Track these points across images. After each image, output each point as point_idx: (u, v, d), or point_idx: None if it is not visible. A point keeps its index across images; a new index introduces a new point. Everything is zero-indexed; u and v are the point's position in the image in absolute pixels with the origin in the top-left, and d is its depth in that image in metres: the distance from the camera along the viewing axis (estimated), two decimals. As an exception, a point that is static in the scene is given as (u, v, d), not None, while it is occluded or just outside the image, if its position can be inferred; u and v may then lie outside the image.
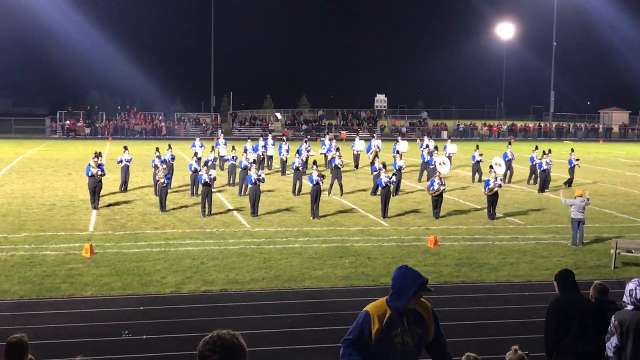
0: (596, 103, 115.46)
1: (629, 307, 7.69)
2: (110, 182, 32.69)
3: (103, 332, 13.08)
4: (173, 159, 31.82)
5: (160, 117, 76.90)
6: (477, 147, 36.04)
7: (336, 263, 18.20)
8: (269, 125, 76.74)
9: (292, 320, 13.88)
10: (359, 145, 41.05)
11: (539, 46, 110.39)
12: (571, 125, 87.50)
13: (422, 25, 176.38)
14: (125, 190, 30.08)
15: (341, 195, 29.49)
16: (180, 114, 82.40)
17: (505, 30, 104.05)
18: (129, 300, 14.92)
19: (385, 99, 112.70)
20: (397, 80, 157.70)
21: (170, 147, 33.19)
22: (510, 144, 37.90)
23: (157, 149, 30.13)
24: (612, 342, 7.66)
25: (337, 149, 33.47)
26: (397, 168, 30.47)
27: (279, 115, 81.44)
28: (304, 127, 75.53)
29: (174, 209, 25.72)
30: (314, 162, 27.02)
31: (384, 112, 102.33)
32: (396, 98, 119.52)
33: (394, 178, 25.83)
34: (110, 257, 18.42)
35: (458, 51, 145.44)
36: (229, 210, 25.90)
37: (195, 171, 28.38)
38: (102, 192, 26.37)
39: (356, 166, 40.58)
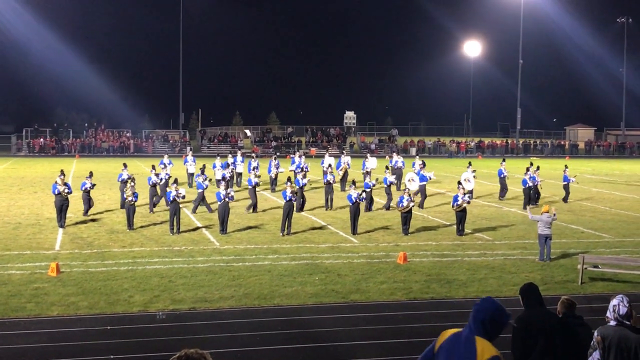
0: (562, 120, 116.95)
1: (612, 323, 7.75)
2: (77, 200, 32.32)
3: (70, 352, 12.87)
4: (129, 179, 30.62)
5: (128, 134, 76.42)
6: (470, 164, 36.21)
7: (306, 280, 18.14)
8: (238, 142, 76.59)
9: (262, 338, 13.78)
10: (329, 161, 41.08)
11: (506, 64, 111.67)
12: (537, 142, 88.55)
13: (391, 43, 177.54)
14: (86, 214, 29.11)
15: (328, 209, 30.19)
16: (149, 131, 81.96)
17: (473, 48, 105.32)
18: (96, 320, 14.72)
19: (355, 115, 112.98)
20: (366, 97, 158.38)
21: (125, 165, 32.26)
22: (504, 160, 38.24)
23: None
24: (595, 356, 7.71)
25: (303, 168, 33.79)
26: (368, 186, 30.68)
27: (248, 132, 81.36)
28: (274, 144, 75.49)
29: (142, 226, 25.50)
30: (288, 179, 27.03)
31: (353, 129, 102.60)
32: (365, 115, 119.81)
33: (363, 195, 25.87)
34: (76, 276, 18.18)
35: (426, 69, 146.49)
36: (198, 227, 25.74)
37: (154, 185, 28.40)
38: (69, 211, 26.05)
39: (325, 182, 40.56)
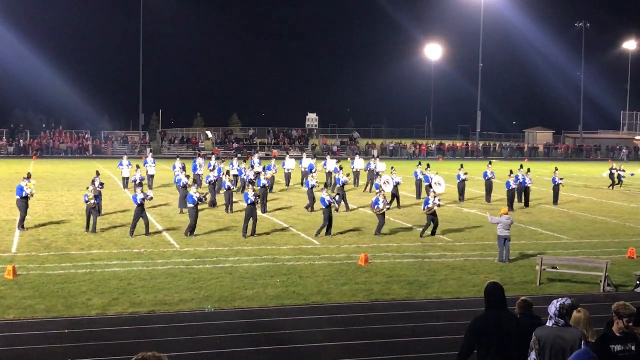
0: (521, 123, 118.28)
1: (549, 324, 7.88)
2: (34, 202, 31.83)
3: (27, 356, 12.65)
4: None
5: (87, 136, 75.49)
6: (462, 166, 36.43)
7: (267, 282, 18.07)
8: (200, 143, 76.14)
9: (223, 341, 13.69)
10: (290, 164, 41.12)
11: (466, 67, 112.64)
12: (497, 145, 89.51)
13: (353, 45, 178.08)
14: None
15: (311, 211, 30.14)
16: (108, 132, 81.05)
17: (433, 52, 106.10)
18: (54, 324, 14.48)
19: (317, 118, 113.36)
20: (328, 99, 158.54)
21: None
22: (490, 163, 38.70)
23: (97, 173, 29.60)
24: (531, 357, 7.83)
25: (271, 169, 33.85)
26: (340, 184, 30.94)
27: (209, 133, 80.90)
28: (235, 145, 75.19)
29: (102, 230, 25.16)
30: (250, 182, 26.93)
31: (316, 131, 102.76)
32: (327, 117, 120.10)
33: (337, 197, 25.88)
34: (34, 279, 17.88)
35: (388, 71, 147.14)
36: (159, 231, 25.49)
37: (185, 187, 28.17)
38: (26, 212, 25.59)
39: (287, 185, 40.56)
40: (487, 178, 35.19)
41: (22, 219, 24.97)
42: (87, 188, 25.43)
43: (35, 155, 65.97)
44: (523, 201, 34.15)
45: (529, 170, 35.16)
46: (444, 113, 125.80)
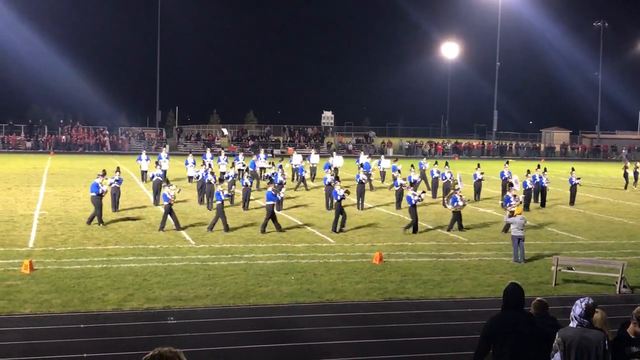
0: (538, 122, 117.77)
1: (572, 324, 7.82)
2: (51, 197, 32.07)
3: (43, 350, 12.75)
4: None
5: (105, 132, 75.86)
6: (479, 165, 36.43)
7: (281, 280, 18.11)
8: (215, 140, 76.33)
9: (237, 337, 13.74)
10: (315, 159, 41.92)
11: (483, 66, 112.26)
12: (513, 144, 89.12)
13: (369, 44, 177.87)
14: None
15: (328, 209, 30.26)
16: (125, 129, 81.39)
17: (450, 50, 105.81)
18: (70, 318, 14.59)
19: (332, 115, 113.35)
20: (343, 97, 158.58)
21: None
22: (507, 163, 38.75)
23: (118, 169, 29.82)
24: (556, 358, 7.77)
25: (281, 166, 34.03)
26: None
27: (225, 130, 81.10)
28: (251, 142, 75.31)
29: (113, 221, 25.26)
30: (270, 179, 27.31)
31: (331, 128, 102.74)
32: (343, 115, 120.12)
33: (346, 193, 26.02)
34: (50, 273, 18.01)
35: (404, 70, 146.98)
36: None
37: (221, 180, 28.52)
38: (41, 208, 25.81)
39: (293, 180, 40.94)
40: (503, 178, 35.11)
41: (100, 216, 25.21)
42: (102, 177, 25.76)
43: (52, 150, 66.35)
44: (539, 201, 34.01)
45: (545, 170, 35.01)
46: (460, 112, 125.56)
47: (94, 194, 25.23)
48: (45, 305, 15.35)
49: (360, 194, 31.21)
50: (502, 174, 35.41)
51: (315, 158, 42.29)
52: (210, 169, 30.99)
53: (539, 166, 37.04)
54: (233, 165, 34.91)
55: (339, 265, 20.01)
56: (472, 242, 24.29)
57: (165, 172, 38.07)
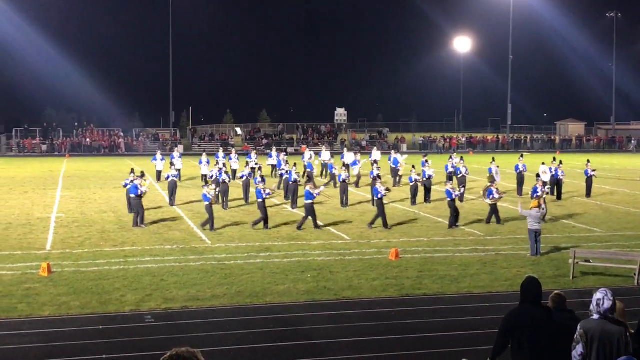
0: (552, 115, 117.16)
1: (595, 316, 7.77)
2: (68, 200, 32.26)
3: (62, 352, 12.83)
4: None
5: (119, 133, 76.15)
6: (493, 159, 36.37)
7: (298, 278, 18.13)
8: (229, 140, 76.47)
9: (254, 336, 13.77)
10: (326, 156, 42.07)
11: (496, 59, 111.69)
12: (528, 137, 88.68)
13: (381, 39, 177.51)
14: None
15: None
16: (139, 130, 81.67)
17: (462, 44, 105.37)
18: (88, 320, 14.67)
19: (345, 112, 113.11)
20: (356, 94, 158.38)
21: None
22: (522, 156, 38.68)
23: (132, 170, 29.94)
24: (578, 350, 7.74)
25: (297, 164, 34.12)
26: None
27: (238, 130, 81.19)
28: (264, 141, 75.40)
29: (130, 222, 25.38)
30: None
31: (344, 125, 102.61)
32: (356, 112, 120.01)
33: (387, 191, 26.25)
34: (68, 276, 18.12)
35: (416, 65, 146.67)
36: (190, 226, 25.68)
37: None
38: (58, 210, 25.97)
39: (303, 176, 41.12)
40: (518, 171, 35.02)
41: (142, 216, 25.48)
42: (134, 178, 25.96)
43: (67, 153, 66.71)
44: (555, 194, 33.84)
45: (560, 163, 34.81)
46: (474, 106, 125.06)
47: (133, 195, 25.40)
48: (64, 307, 15.44)
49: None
50: (516, 168, 35.29)
51: (326, 155, 42.55)
52: (224, 168, 31.08)
53: (554, 159, 36.82)
54: (247, 164, 35.10)
55: (355, 262, 20.00)
56: (489, 236, 24.20)
57: (179, 171, 38.39)
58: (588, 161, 36.39)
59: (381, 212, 25.30)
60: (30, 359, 12.51)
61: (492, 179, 28.86)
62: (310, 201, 24.76)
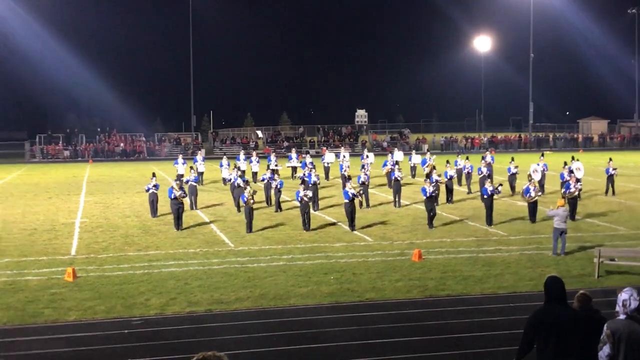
0: (574, 113, 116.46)
1: (621, 316, 7.71)
2: (91, 204, 32.50)
3: (88, 356, 12.93)
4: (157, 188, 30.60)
5: (141, 138, 76.62)
6: (512, 159, 36.31)
7: (321, 280, 18.14)
8: (250, 143, 76.67)
9: (279, 339, 13.79)
10: (330, 157, 42.76)
11: (517, 58, 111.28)
12: (550, 136, 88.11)
13: (401, 40, 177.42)
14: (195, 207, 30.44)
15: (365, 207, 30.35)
16: (161, 134, 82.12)
17: (483, 43, 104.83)
18: (114, 324, 14.78)
19: (366, 114, 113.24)
20: (377, 95, 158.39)
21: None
22: (543, 155, 38.57)
23: (154, 174, 30.12)
24: (605, 351, 7.68)
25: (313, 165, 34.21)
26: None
27: (259, 133, 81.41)
28: (285, 144, 75.52)
29: (154, 226, 25.53)
30: (302, 180, 27.40)
31: (365, 127, 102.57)
32: (376, 113, 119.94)
33: (360, 190, 26.24)
34: (93, 280, 18.26)
35: (437, 65, 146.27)
36: (214, 230, 25.79)
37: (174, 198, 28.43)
38: (83, 215, 26.17)
39: (327, 178, 41.17)
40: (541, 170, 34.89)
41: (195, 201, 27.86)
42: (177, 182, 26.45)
43: (90, 158, 67.22)
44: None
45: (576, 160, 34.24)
46: (495, 105, 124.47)
47: (171, 197, 25.66)
48: (90, 312, 15.56)
49: (397, 192, 31.14)
50: (545, 167, 35.29)
51: (330, 157, 42.75)
52: (239, 172, 31.24)
53: (573, 157, 36.48)
54: (268, 167, 35.25)
55: (378, 263, 19.97)
56: (512, 236, 24.07)
57: (201, 174, 38.88)
58: (610, 159, 36.03)
59: (347, 214, 25.16)
60: (57, 364, 12.61)
61: (529, 178, 29.04)
62: (348, 201, 24.79)
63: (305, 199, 24.93)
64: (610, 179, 34.41)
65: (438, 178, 31.00)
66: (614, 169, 34.47)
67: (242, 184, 29.18)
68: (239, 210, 29.36)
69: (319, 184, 31.54)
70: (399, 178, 31.33)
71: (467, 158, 35.98)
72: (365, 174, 31.00)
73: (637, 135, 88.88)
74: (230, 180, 32.49)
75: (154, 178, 29.06)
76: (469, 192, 34.98)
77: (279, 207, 29.85)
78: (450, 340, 13.64)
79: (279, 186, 29.98)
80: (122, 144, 72.74)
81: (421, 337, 13.80)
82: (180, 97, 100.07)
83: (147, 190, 28.11)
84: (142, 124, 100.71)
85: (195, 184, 31.18)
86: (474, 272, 18.86)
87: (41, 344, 13.61)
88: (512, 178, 34.92)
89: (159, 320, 15.06)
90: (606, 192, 34.52)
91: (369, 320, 14.97)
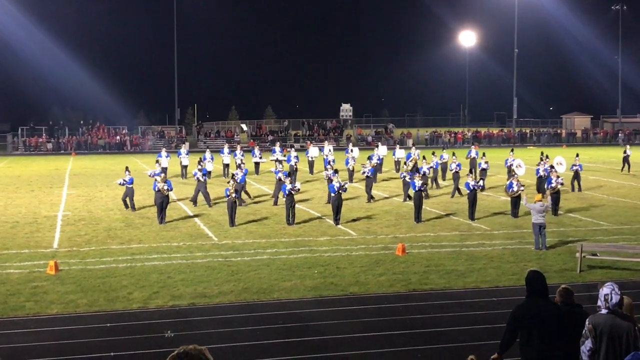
0: (558, 109, 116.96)
1: (603, 311, 7.76)
2: (73, 197, 32.32)
3: (70, 350, 12.87)
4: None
5: (124, 131, 76.23)
6: (512, 150, 36.46)
7: (305, 274, 18.14)
8: (234, 136, 76.50)
9: (262, 332, 13.78)
10: (313, 152, 42.58)
11: (501, 53, 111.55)
12: (534, 131, 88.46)
13: (386, 34, 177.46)
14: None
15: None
16: (145, 127, 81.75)
17: (468, 38, 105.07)
18: (96, 317, 14.71)
19: (351, 108, 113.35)
20: (361, 89, 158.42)
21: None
22: (512, 151, 39.05)
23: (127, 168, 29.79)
24: (587, 345, 7.74)
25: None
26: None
27: (244, 126, 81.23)
28: (270, 137, 75.38)
29: (135, 220, 25.43)
30: (289, 174, 27.49)
31: (350, 121, 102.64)
32: (361, 107, 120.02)
33: (346, 185, 26.19)
34: (75, 273, 18.16)
35: (421, 60, 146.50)
36: (197, 224, 25.73)
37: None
38: (64, 209, 26.02)
39: (311, 172, 41.18)
40: (507, 165, 35.14)
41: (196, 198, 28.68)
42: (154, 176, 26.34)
43: (73, 151, 66.82)
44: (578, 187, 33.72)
45: (547, 157, 34.01)
46: (479, 100, 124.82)
47: (155, 190, 25.68)
48: (72, 305, 15.48)
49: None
50: (506, 162, 35.60)
51: (314, 151, 42.64)
52: (199, 166, 30.92)
53: (542, 153, 36.32)
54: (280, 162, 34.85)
55: (362, 257, 20.00)
56: (495, 230, 24.18)
57: (185, 167, 38.82)
58: (577, 155, 35.79)
59: (334, 208, 25.20)
60: (39, 357, 12.54)
61: (512, 173, 29.15)
62: (333, 194, 24.82)
63: (293, 192, 24.96)
64: (576, 175, 34.14)
65: (427, 170, 31.12)
66: (575, 165, 33.88)
67: (201, 179, 28.97)
68: (209, 206, 29.16)
69: (296, 169, 31.48)
70: (369, 175, 31.11)
71: (454, 154, 35.83)
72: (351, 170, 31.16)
73: (620, 130, 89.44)
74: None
75: (128, 172, 28.81)
76: (438, 187, 34.78)
77: (276, 202, 29.71)
78: (433, 334, 13.69)
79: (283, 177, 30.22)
80: (104, 138, 72.34)
81: (404, 330, 13.83)
82: (165, 90, 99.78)
83: (121, 184, 28.08)
84: (126, 117, 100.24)
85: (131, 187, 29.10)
86: (457, 267, 18.93)
87: (24, 337, 13.52)
88: (483, 173, 35.31)
89: (141, 313, 15.00)
90: (572, 188, 33.89)
91: (352, 314, 14.99)
